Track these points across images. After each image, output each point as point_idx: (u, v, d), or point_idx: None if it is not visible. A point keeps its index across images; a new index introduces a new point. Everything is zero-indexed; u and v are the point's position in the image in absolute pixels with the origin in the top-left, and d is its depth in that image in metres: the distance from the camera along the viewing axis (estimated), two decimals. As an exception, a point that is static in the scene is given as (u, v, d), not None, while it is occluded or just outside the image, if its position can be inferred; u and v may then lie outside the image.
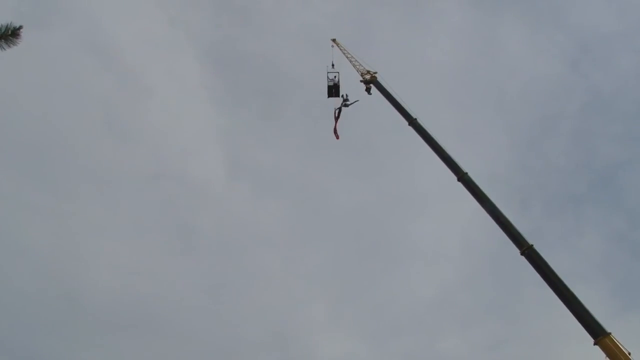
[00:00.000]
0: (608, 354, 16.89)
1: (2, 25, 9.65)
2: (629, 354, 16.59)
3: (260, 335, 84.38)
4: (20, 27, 9.89)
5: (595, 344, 17.34)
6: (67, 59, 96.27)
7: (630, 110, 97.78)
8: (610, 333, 17.21)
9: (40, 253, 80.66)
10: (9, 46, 9.92)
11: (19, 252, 77.26)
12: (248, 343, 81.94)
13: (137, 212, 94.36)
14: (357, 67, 38.54)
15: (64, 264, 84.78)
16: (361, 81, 37.11)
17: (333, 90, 41.31)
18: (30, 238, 79.00)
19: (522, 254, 20.94)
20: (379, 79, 35.68)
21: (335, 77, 41.48)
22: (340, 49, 41.76)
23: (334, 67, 41.84)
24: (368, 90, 36.73)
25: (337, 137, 39.40)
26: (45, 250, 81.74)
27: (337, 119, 39.34)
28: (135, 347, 78.34)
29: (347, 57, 40.45)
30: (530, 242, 20.98)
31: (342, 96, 39.70)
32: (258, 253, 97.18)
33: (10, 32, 9.74)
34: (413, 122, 29.53)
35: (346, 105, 39.34)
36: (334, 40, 43.16)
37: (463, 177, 25.24)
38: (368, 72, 36.99)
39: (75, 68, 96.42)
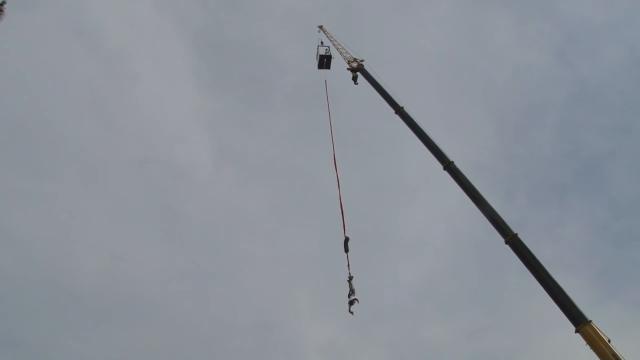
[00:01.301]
0: (589, 341, 17.19)
1: (-15, 0, 9.25)
2: (609, 341, 16.90)
3: (245, 321, 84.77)
4: (4, 2, 9.51)
5: (576, 331, 17.62)
6: (51, 41, 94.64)
7: (617, 102, 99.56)
8: (591, 321, 17.49)
9: (24, 238, 79.44)
10: (-7, 21, 9.51)
11: (2, 239, 75.96)
12: (233, 328, 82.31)
13: (122, 197, 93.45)
14: (344, 54, 38.31)
15: (48, 249, 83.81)
16: (348, 69, 36.87)
17: (325, 60, 40.35)
18: (13, 223, 77.76)
19: (506, 242, 21.11)
20: (366, 67, 35.54)
21: (327, 49, 40.70)
22: (327, 36, 41.54)
23: (323, 44, 41.48)
24: (355, 79, 36.50)
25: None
26: (29, 235, 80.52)
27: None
28: (120, 333, 78.07)
29: (333, 44, 40.21)
30: (515, 231, 21.23)
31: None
32: (243, 239, 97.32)
33: (-6, 6, 9.35)
34: (399, 111, 29.50)
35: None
36: (320, 27, 42.87)
37: (449, 166, 25.28)
38: (355, 59, 36.80)
39: (60, 50, 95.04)
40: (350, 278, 24.01)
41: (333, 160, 31.26)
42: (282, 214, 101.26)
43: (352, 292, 23.26)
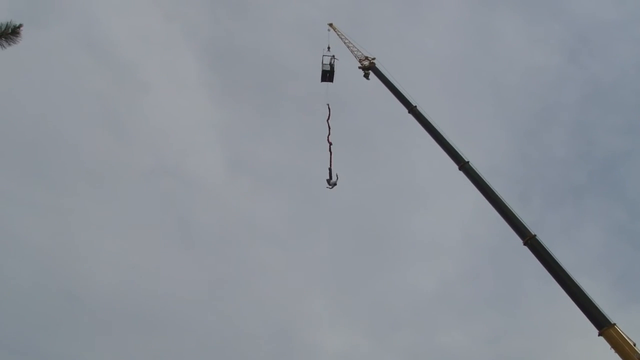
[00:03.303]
0: (613, 345, 16.94)
1: (1, 24, 9.29)
2: (634, 344, 16.65)
3: (261, 330, 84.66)
4: (21, 25, 9.54)
5: (599, 335, 17.38)
6: (63, 57, 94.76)
7: (630, 101, 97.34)
8: (614, 324, 17.25)
9: (39, 250, 79.99)
10: (9, 44, 9.57)
11: (17, 250, 76.55)
12: (249, 338, 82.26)
13: (135, 208, 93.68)
14: (355, 52, 37.99)
15: (62, 261, 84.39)
16: (359, 67, 36.60)
17: (327, 74, 40.24)
18: (28, 235, 78.21)
19: (525, 244, 20.88)
20: (378, 65, 35.26)
21: (331, 60, 40.35)
22: (338, 34, 41.09)
23: (330, 50, 41.03)
24: (366, 76, 36.25)
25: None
26: (44, 247, 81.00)
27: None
28: (135, 344, 78.46)
29: (344, 43, 39.83)
30: (533, 232, 20.98)
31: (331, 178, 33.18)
32: (258, 248, 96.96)
33: (10, 30, 9.38)
34: (413, 110, 29.22)
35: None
36: (331, 24, 42.39)
37: (464, 166, 25.03)
38: (366, 58, 36.49)
39: (72, 65, 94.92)
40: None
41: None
42: (296, 222, 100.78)
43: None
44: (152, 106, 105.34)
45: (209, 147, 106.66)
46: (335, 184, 32.60)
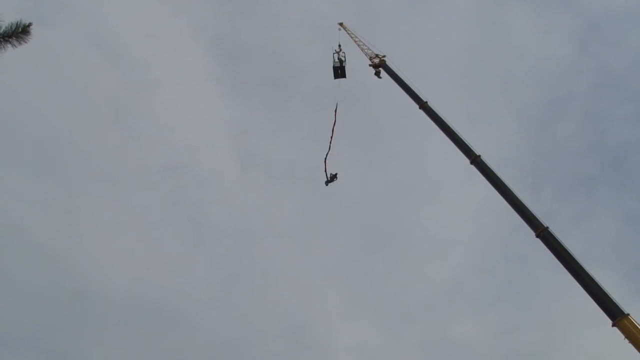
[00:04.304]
0: (627, 335, 16.77)
1: (12, 23, 9.60)
2: (648, 334, 16.47)
3: (274, 325, 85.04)
4: (30, 24, 9.84)
5: (613, 325, 17.21)
6: (72, 55, 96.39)
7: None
8: (628, 314, 17.08)
9: (51, 249, 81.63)
10: (20, 44, 9.87)
11: (30, 249, 78.21)
12: (262, 334, 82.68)
13: (147, 205, 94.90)
14: (365, 51, 38.16)
15: (75, 259, 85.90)
16: (370, 65, 36.75)
17: (339, 71, 40.70)
18: (41, 234, 79.93)
19: (537, 236, 20.77)
20: (388, 62, 35.36)
21: (340, 53, 40.73)
22: (348, 33, 41.32)
23: (341, 48, 41.38)
24: (377, 74, 36.36)
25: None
26: (56, 246, 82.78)
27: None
28: (148, 341, 79.39)
29: (354, 41, 40.02)
30: (545, 224, 20.85)
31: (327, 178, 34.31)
32: (270, 244, 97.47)
33: (20, 29, 9.69)
34: (424, 105, 29.29)
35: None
36: (341, 24, 42.67)
37: (476, 160, 25.01)
38: (377, 55, 36.64)
39: (82, 64, 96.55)
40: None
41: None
42: (308, 217, 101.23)
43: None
44: (162, 103, 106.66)
45: (219, 144, 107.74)
46: (333, 179, 33.53)
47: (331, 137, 34.96)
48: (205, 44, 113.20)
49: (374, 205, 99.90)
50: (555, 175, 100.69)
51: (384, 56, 36.12)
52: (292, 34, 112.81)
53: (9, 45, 9.67)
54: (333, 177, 33.44)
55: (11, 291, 72.98)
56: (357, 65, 39.79)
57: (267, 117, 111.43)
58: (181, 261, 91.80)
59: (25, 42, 9.94)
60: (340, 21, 42.94)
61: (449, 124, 27.72)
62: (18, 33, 9.75)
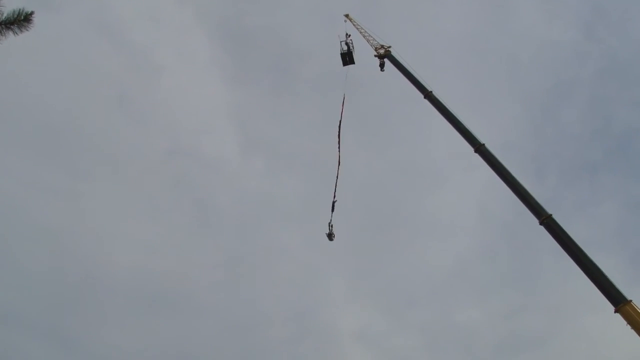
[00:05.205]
0: (629, 321, 16.82)
1: (14, 10, 9.76)
2: (651, 320, 16.47)
3: (278, 309, 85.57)
4: (32, 12, 9.99)
5: (616, 311, 17.25)
6: (76, 41, 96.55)
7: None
8: (631, 300, 17.11)
9: (56, 233, 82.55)
10: (22, 31, 10.04)
11: (35, 233, 79.05)
12: (268, 317, 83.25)
13: (152, 189, 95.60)
14: (371, 42, 38.07)
15: (79, 243, 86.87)
16: (375, 56, 36.68)
17: (347, 57, 40.66)
18: (47, 219, 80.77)
19: (541, 223, 20.78)
20: (393, 53, 35.29)
21: (348, 40, 40.47)
22: (354, 24, 41.22)
23: (348, 36, 41.28)
24: (382, 66, 36.33)
25: None
26: (61, 230, 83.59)
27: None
28: (154, 324, 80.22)
29: (360, 32, 39.95)
30: (549, 212, 20.83)
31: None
32: (274, 228, 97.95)
33: (22, 17, 9.86)
34: (429, 95, 29.27)
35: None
36: (347, 15, 42.57)
37: (480, 149, 25.02)
38: (382, 46, 36.54)
39: (85, 49, 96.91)
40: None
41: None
42: (312, 201, 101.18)
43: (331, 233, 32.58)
44: (166, 88, 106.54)
45: (223, 128, 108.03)
46: (331, 237, 32.78)
47: (336, 179, 34.73)
48: (209, 28, 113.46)
49: (379, 191, 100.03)
50: (559, 160, 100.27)
51: (389, 47, 36.04)
52: (296, 18, 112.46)
53: (10, 32, 9.84)
54: (331, 235, 32.79)
55: (17, 275, 74.25)
56: (363, 51, 39.78)
57: (271, 102, 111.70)
58: (186, 245, 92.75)
59: (27, 30, 10.10)
60: (346, 12, 42.84)
61: (453, 114, 27.71)
62: (20, 21, 9.91)
